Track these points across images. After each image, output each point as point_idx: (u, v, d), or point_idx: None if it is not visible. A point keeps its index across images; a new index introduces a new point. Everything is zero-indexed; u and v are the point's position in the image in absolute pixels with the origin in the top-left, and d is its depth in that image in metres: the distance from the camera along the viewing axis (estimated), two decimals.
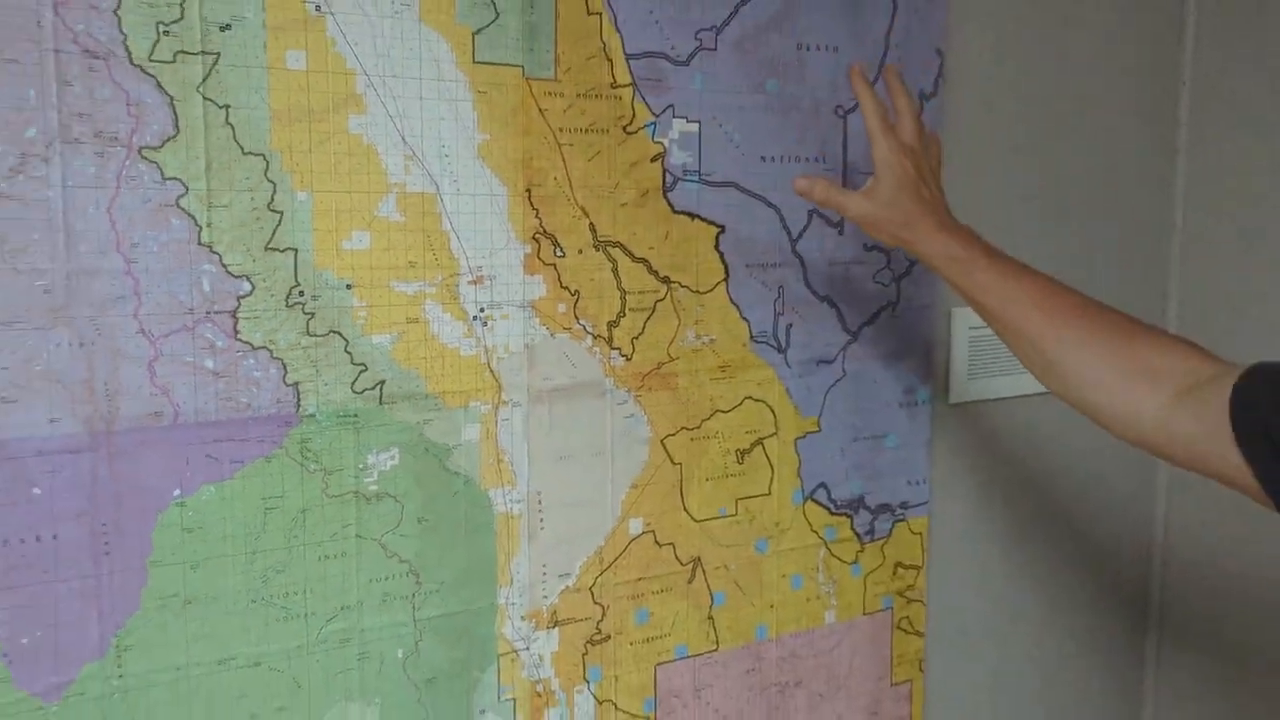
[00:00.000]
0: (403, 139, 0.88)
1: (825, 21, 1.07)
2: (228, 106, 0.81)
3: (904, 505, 1.19)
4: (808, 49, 1.06)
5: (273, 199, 0.83)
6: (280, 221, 0.83)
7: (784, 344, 1.09)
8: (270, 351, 0.84)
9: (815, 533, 1.14)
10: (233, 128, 0.81)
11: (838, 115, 1.09)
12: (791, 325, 1.09)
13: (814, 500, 1.13)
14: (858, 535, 1.16)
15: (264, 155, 0.82)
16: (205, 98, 0.80)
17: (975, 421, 1.25)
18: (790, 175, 1.05)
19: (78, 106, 0.76)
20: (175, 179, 0.79)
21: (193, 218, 0.80)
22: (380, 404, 0.89)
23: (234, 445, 0.83)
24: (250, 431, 0.84)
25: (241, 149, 0.81)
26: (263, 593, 0.86)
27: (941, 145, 1.00)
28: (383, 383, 0.89)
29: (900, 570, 1.20)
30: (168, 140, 0.79)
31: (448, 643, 0.94)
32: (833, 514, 1.14)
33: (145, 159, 0.78)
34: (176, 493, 0.82)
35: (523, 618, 0.98)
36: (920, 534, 1.21)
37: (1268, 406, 0.77)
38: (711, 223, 1.03)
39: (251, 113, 0.82)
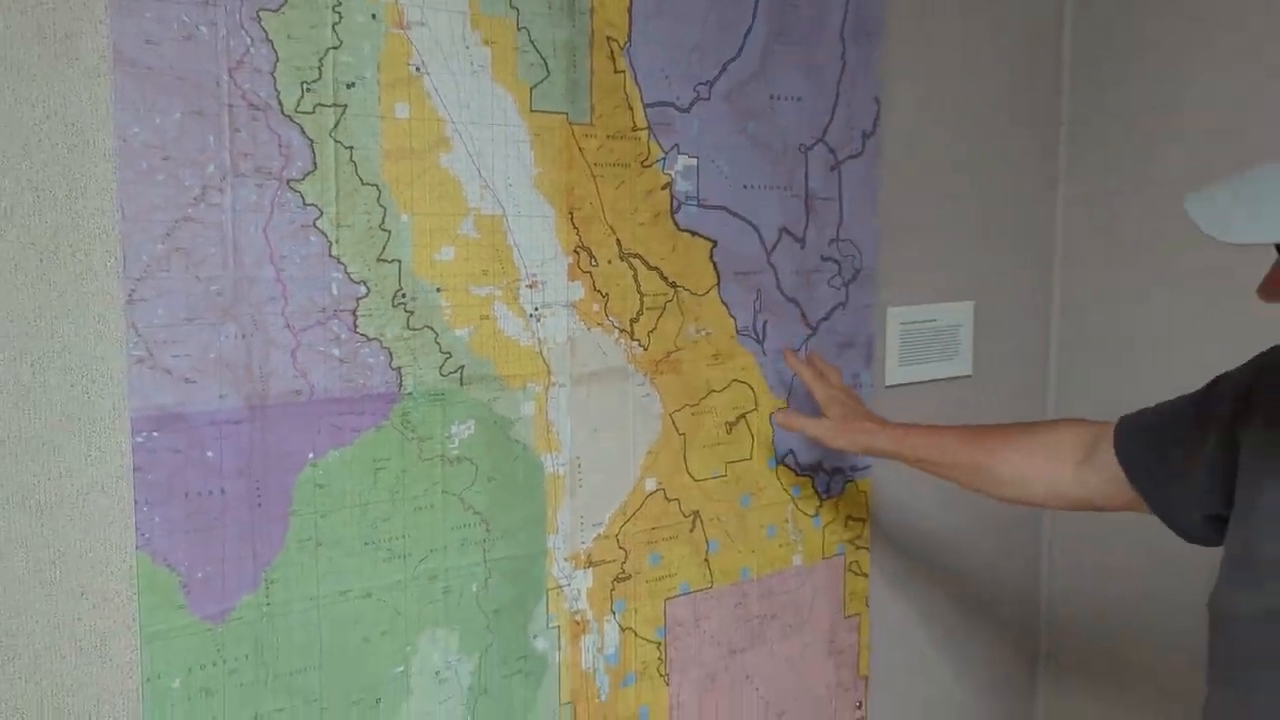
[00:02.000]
0: (479, 172, 1.10)
1: (790, 77, 1.33)
2: (352, 148, 1.02)
3: (853, 468, 1.46)
4: (778, 99, 1.32)
5: (384, 220, 1.04)
6: (389, 238, 1.05)
7: (762, 336, 1.34)
8: (380, 342, 1.05)
9: (785, 491, 1.39)
10: (355, 164, 1.02)
11: (800, 152, 1.35)
12: (767, 322, 1.34)
13: (784, 464, 1.39)
14: (818, 493, 1.42)
15: (378, 185, 1.03)
16: (336, 140, 1.01)
17: (906, 399, 1.52)
18: (767, 202, 1.32)
19: (244, 148, 0.96)
20: (313, 205, 1.00)
21: (325, 235, 1.01)
22: (461, 385, 1.10)
23: (353, 417, 1.04)
24: (365, 406, 1.05)
25: (361, 180, 1.02)
26: (373, 537, 1.06)
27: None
28: (463, 367, 1.10)
29: (850, 522, 1.46)
30: (308, 174, 0.99)
31: (510, 580, 1.16)
32: (798, 475, 1.40)
33: (292, 189, 0.99)
34: (310, 455, 1.02)
35: (565, 559, 1.20)
36: (865, 492, 1.48)
37: (1137, 452, 1.05)
38: (707, 238, 1.28)
39: (369, 152, 1.03)
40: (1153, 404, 1.07)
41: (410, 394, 1.07)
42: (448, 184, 1.08)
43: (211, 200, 0.95)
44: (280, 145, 0.98)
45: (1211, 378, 1.03)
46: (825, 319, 1.41)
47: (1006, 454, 1.15)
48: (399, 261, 1.05)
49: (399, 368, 1.06)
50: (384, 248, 1.04)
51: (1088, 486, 1.10)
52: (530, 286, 1.14)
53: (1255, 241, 0.74)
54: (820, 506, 1.43)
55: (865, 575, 1.49)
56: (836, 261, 1.41)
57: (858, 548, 1.48)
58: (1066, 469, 1.11)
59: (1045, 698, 1.80)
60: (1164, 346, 1.56)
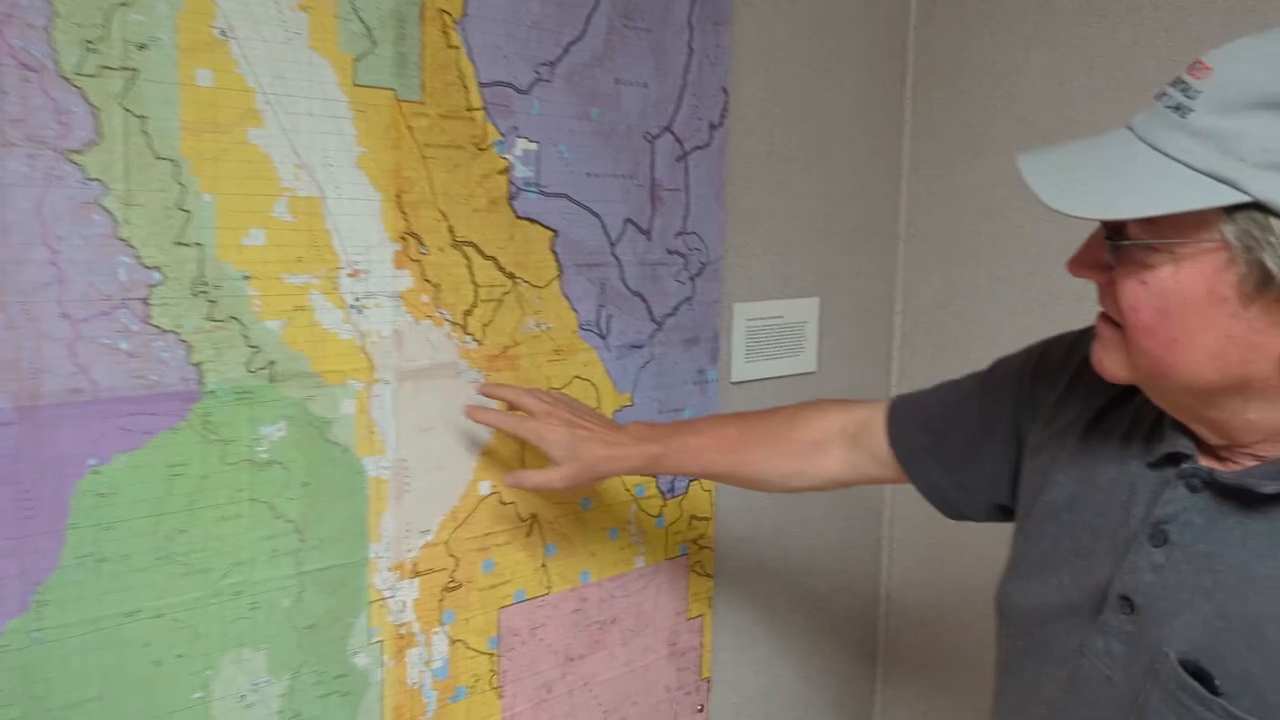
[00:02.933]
0: (294, 150, 1.00)
1: (636, 62, 1.27)
2: (144, 117, 0.91)
3: None
4: (623, 84, 1.26)
5: (182, 200, 0.94)
6: (188, 220, 0.94)
7: (605, 331, 1.28)
8: (177, 335, 0.95)
9: (628, 491, 1.34)
10: (148, 136, 0.91)
11: (646, 140, 1.30)
12: (611, 316, 1.29)
13: None
14: (661, 493, 1.38)
15: (175, 161, 0.93)
16: (125, 108, 0.90)
17: (752, 395, 1.49)
18: (611, 191, 1.26)
19: (13, 113, 0.84)
20: (97, 180, 0.89)
21: (112, 215, 0.90)
22: (271, 382, 1.01)
23: (144, 418, 0.93)
24: (159, 406, 0.94)
25: (155, 154, 0.92)
26: (167, 551, 0.96)
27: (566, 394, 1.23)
28: (273, 363, 1.01)
29: (694, 522, 1.43)
30: (91, 145, 0.88)
31: (326, 592, 1.07)
32: (641, 475, 1.35)
33: (71, 161, 0.87)
34: (93, 461, 0.91)
35: (389, 569, 1.12)
36: (710, 490, 1.44)
37: (913, 439, 1.03)
38: (548, 227, 1.21)
39: (165, 123, 0.92)
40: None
41: (212, 392, 0.97)
42: (257, 161, 0.98)
43: None
44: (57, 111, 0.86)
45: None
46: (671, 314, 1.36)
47: (768, 459, 1.12)
48: (200, 246, 0.95)
49: (199, 363, 0.96)
50: (182, 230, 0.94)
51: (858, 469, 1.09)
52: (351, 275, 1.06)
53: (1091, 216, 0.72)
54: (664, 507, 1.39)
55: (709, 576, 1.46)
56: (682, 255, 1.36)
57: (701, 548, 1.44)
58: (832, 462, 1.10)
59: (883, 693, 1.81)
60: (1002, 345, 1.58)
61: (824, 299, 1.59)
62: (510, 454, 1.21)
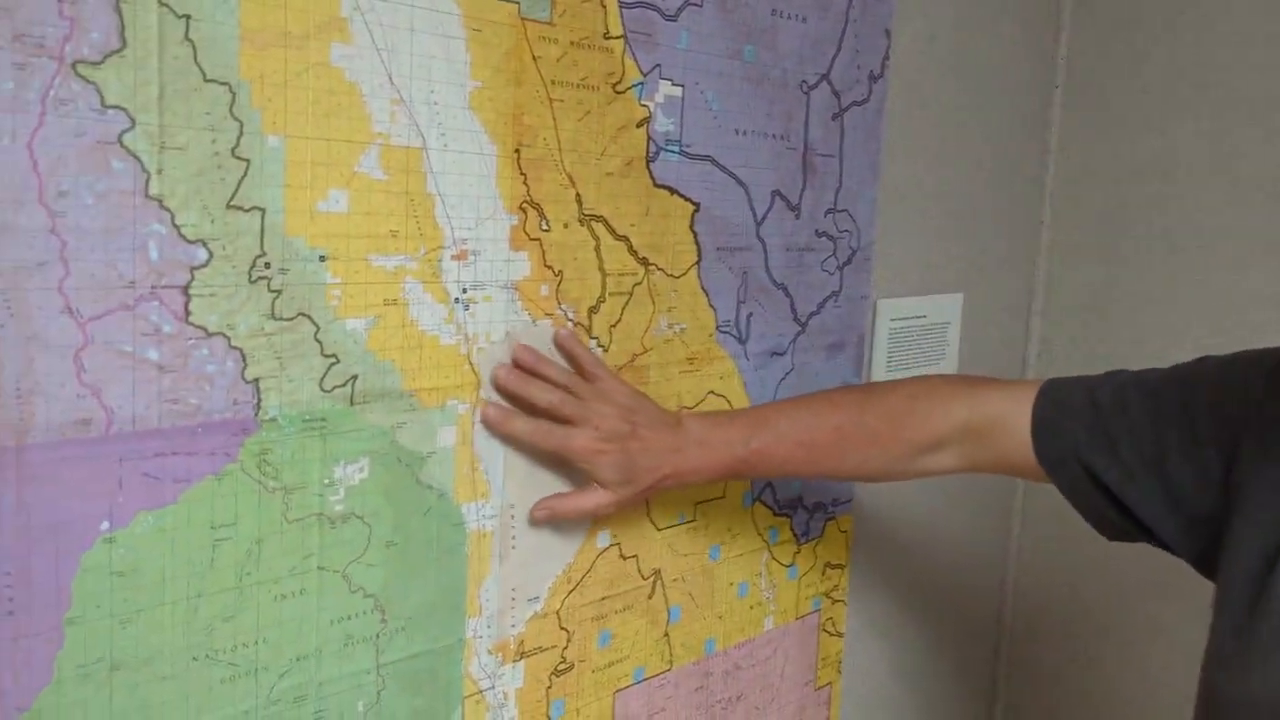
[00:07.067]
0: (389, 79, 0.71)
1: None
2: (188, 17, 0.61)
3: (834, 502, 1.15)
4: (781, 15, 0.98)
5: (238, 143, 0.64)
6: (246, 172, 0.65)
7: (745, 334, 1.01)
8: (227, 339, 0.65)
9: (760, 535, 1.07)
10: (194, 45, 0.62)
11: (802, 91, 1.02)
12: (752, 315, 1.01)
13: (761, 501, 1.06)
14: (795, 536, 1.11)
15: (230, 85, 0.63)
16: (161, 2, 0.60)
17: None
18: (760, 151, 0.98)
19: None
20: (119, 108, 0.59)
21: (140, 161, 0.60)
22: (351, 404, 0.72)
23: (179, 460, 0.64)
24: (200, 443, 0.65)
25: (203, 74, 0.62)
26: (207, 647, 0.67)
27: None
28: (355, 378, 0.72)
29: (828, 571, 1.16)
30: (111, 55, 0.58)
31: (411, 689, 0.78)
32: (776, 515, 1.08)
33: (81, 77, 0.58)
34: (105, 525, 0.62)
35: (489, 651, 0.83)
36: (846, 532, 1.17)
37: (1066, 439, 0.80)
38: (688, 199, 0.93)
39: (218, 28, 0.62)
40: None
41: (273, 420, 0.68)
42: (341, 92, 0.69)
43: None
44: (61, 1, 0.56)
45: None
46: (815, 313, 1.08)
47: (870, 460, 0.89)
48: (261, 211, 0.66)
49: (256, 379, 0.67)
50: (238, 187, 0.64)
51: (979, 465, 0.88)
52: (457, 257, 0.77)
53: None
54: (798, 553, 1.11)
55: (840, 635, 1.19)
56: (831, 238, 1.08)
57: (834, 601, 1.17)
58: (948, 459, 0.89)
59: None
60: (1166, 357, 1.33)
61: (966, 295, 1.32)
62: None
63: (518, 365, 0.81)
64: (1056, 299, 1.44)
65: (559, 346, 0.84)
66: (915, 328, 1.24)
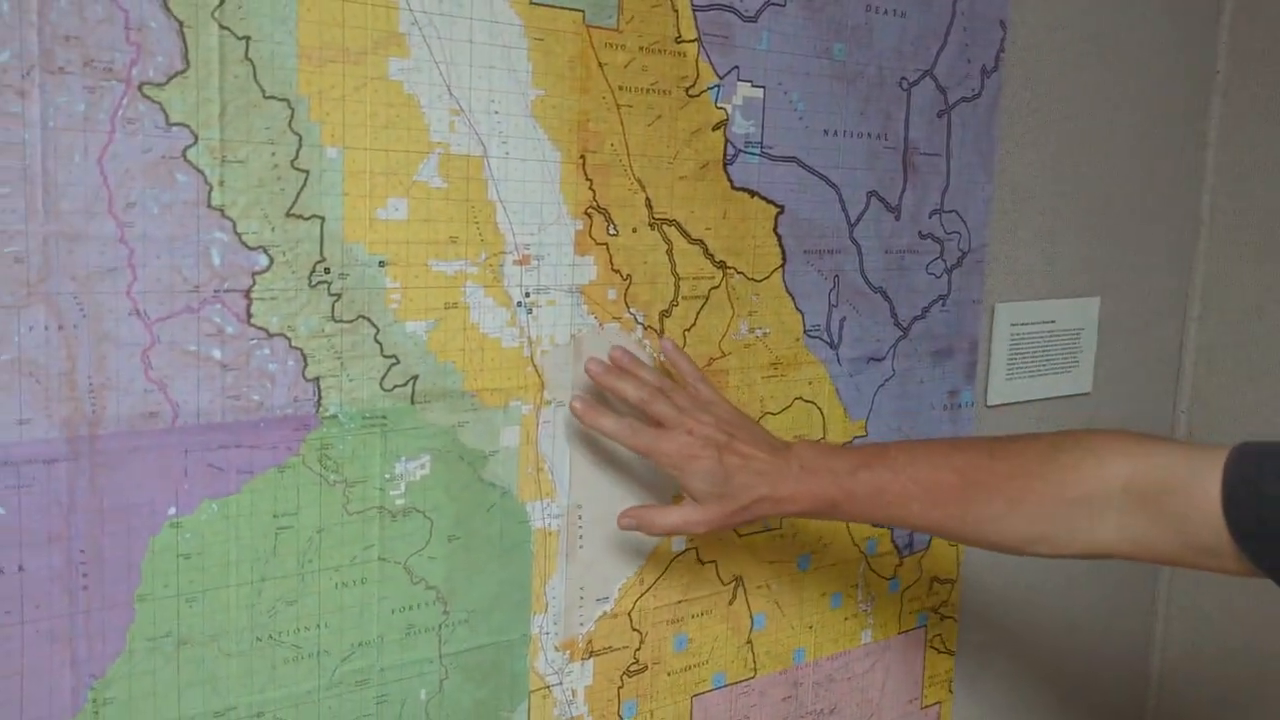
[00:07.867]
0: (448, 89, 0.73)
1: None
2: (248, 38, 0.65)
3: None
4: (877, 12, 0.95)
5: (298, 155, 0.68)
6: (305, 182, 0.69)
7: (837, 340, 0.98)
8: (288, 340, 0.70)
9: (857, 546, 1.04)
10: (253, 65, 0.66)
11: (901, 88, 0.98)
12: (845, 319, 0.98)
13: None
14: (897, 548, 1.07)
15: (289, 101, 0.67)
16: (222, 26, 0.64)
17: (1009, 425, 1.17)
18: (853, 152, 0.95)
19: (64, 27, 0.60)
20: (182, 125, 0.64)
21: (202, 174, 0.65)
22: (412, 403, 0.75)
23: (242, 453, 0.69)
24: (262, 436, 0.69)
25: (263, 91, 0.66)
26: (270, 629, 0.71)
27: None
28: (415, 378, 0.75)
29: (936, 586, 1.11)
30: (175, 76, 0.63)
31: (475, 680, 0.81)
32: (874, 525, 1.05)
33: (147, 97, 0.63)
34: (172, 511, 0.67)
35: (556, 648, 0.85)
36: (956, 546, 1.12)
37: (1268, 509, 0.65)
38: (771, 202, 0.92)
39: (277, 47, 0.67)
40: None
41: (333, 417, 0.72)
42: (400, 104, 0.72)
43: (6, 108, 0.59)
44: (128, 26, 0.62)
45: None
46: (920, 317, 1.04)
47: (1003, 518, 0.76)
48: (320, 219, 0.70)
49: (317, 378, 0.71)
50: (297, 197, 0.68)
51: (1145, 544, 0.73)
52: (519, 262, 0.79)
53: None
54: (899, 566, 1.08)
55: (950, 653, 1.14)
56: (938, 240, 1.04)
57: (943, 618, 1.13)
58: (1104, 529, 0.74)
59: None
60: None
61: (1104, 299, 1.24)
62: None
63: (613, 362, 0.81)
64: (1215, 303, 1.33)
65: (664, 355, 0.84)
66: (1041, 333, 1.18)
